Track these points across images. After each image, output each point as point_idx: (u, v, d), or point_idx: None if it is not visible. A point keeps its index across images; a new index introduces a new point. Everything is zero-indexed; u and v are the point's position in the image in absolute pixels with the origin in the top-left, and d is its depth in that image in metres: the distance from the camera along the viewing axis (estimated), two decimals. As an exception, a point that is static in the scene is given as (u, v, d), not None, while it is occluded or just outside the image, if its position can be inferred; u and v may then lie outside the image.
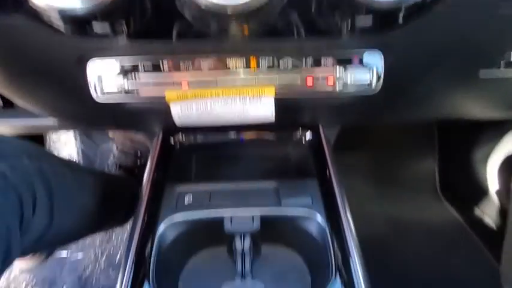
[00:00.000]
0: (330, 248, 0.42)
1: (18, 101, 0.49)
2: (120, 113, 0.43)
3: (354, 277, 0.37)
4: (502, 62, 0.40)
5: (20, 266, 0.88)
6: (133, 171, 0.92)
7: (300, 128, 0.58)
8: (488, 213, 0.84)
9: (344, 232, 0.42)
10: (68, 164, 0.52)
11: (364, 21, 0.33)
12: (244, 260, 0.43)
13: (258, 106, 0.41)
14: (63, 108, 0.48)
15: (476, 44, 0.38)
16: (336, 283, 0.37)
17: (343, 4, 0.33)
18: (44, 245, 0.45)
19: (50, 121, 0.54)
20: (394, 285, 0.72)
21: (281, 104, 0.41)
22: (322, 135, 0.55)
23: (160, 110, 0.41)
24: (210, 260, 0.48)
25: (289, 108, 0.42)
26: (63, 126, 0.60)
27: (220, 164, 0.60)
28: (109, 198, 0.60)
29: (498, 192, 0.81)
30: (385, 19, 0.33)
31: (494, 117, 0.57)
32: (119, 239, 0.96)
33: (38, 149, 0.47)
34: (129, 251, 0.38)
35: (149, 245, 0.42)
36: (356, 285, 0.36)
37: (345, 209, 0.44)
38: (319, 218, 0.45)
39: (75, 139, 1.14)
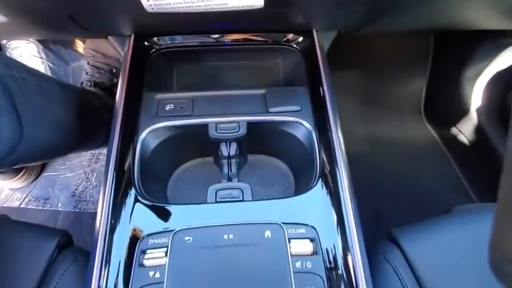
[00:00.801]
0: (316, 153, 0.42)
1: None
2: (82, 7, 0.37)
3: (339, 184, 0.38)
4: None
5: (10, 185, 0.90)
6: (110, 90, 0.87)
7: (292, 34, 0.52)
8: (464, 131, 0.88)
9: (332, 139, 0.41)
10: (31, 71, 0.47)
11: None
12: (230, 165, 0.43)
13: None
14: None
15: None
16: (317, 188, 0.38)
17: None
18: (20, 158, 0.44)
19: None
20: (367, 196, 0.78)
21: None
22: (316, 41, 0.50)
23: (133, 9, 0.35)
24: (197, 169, 0.49)
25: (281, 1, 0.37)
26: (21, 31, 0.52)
27: (202, 70, 0.56)
28: (84, 114, 0.57)
29: (478, 110, 0.84)
30: None
31: (491, 26, 0.53)
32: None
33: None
34: (110, 159, 0.37)
35: (131, 153, 0.41)
36: (340, 193, 0.37)
37: (335, 117, 0.43)
38: (307, 124, 0.44)
39: (42, 58, 1.04)
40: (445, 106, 0.95)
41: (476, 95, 0.85)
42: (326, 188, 0.38)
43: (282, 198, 0.37)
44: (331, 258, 0.31)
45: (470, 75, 0.85)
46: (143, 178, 0.39)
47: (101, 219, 0.35)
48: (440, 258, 0.40)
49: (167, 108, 0.44)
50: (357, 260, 0.32)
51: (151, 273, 0.29)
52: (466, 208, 0.49)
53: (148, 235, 0.32)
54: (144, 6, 0.34)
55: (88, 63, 0.87)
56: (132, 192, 0.37)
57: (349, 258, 0.32)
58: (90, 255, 0.32)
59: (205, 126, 0.42)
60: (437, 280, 0.38)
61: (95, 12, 0.40)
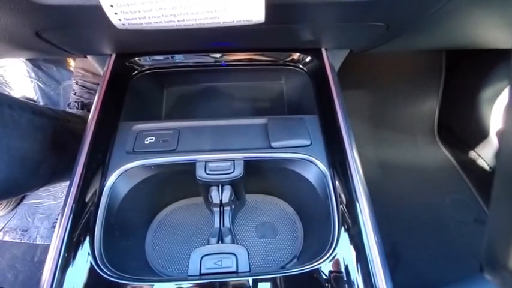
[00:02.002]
0: (332, 203, 0.33)
1: None
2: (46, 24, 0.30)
3: (364, 237, 0.30)
4: None
5: (-13, 215, 0.82)
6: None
7: (298, 53, 0.45)
8: (484, 155, 0.81)
9: (352, 185, 0.33)
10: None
11: None
12: (222, 215, 0.35)
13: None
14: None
15: None
16: (337, 254, 0.29)
17: None
18: None
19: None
20: (383, 226, 0.71)
21: (274, 4, 0.28)
22: (326, 61, 0.43)
23: (96, 15, 0.28)
24: (181, 214, 0.40)
25: (284, 11, 0.30)
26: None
27: (194, 91, 0.48)
28: (60, 144, 0.50)
29: (499, 133, 0.77)
30: None
31: (507, 45, 0.47)
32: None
33: None
34: (66, 204, 0.29)
35: (95, 197, 0.32)
36: (367, 248, 0.29)
37: (353, 155, 0.35)
38: (319, 163, 0.35)
39: (31, 77, 0.99)
40: (460, 128, 0.88)
41: (496, 116, 0.77)
42: (350, 250, 0.29)
43: (291, 270, 0.28)
44: None
45: (488, 95, 0.79)
46: (110, 234, 0.30)
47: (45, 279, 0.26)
48: None
49: (147, 142, 0.36)
50: None
51: None
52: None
53: None
54: (113, 22, 0.27)
55: (77, 82, 0.81)
56: (89, 262, 0.28)
57: None
58: None
59: (192, 165, 0.34)
60: None
61: (62, 29, 0.33)
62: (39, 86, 0.98)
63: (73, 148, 0.56)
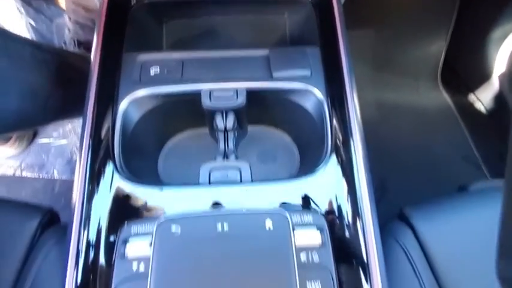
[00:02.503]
0: (327, 127, 0.36)
1: None
2: None
3: (354, 164, 0.33)
4: None
5: (4, 152, 0.87)
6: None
7: None
8: (483, 98, 0.82)
9: (347, 112, 0.35)
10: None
11: None
12: (227, 139, 0.38)
13: None
14: None
15: None
16: (331, 161, 0.33)
17: None
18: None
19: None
20: (374, 163, 0.74)
21: None
22: None
23: None
24: (190, 142, 0.44)
25: None
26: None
27: (196, 26, 0.48)
28: (64, 78, 0.51)
29: (501, 76, 0.77)
30: None
31: None
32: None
33: None
34: (84, 135, 0.32)
35: (109, 126, 0.35)
36: (355, 166, 0.32)
37: (352, 85, 0.37)
38: (318, 93, 0.37)
39: (22, 13, 0.94)
40: (464, 71, 0.87)
41: (501, 60, 0.76)
42: (338, 167, 0.33)
43: (286, 179, 0.32)
44: (342, 250, 0.28)
45: (497, 36, 0.76)
46: (127, 155, 0.34)
47: (75, 205, 0.31)
48: (456, 242, 0.37)
49: (152, 72, 0.38)
50: (371, 251, 0.28)
51: (134, 266, 0.26)
52: (483, 187, 0.44)
53: (130, 222, 0.28)
54: None
55: (70, 19, 0.78)
56: (112, 172, 0.32)
57: (362, 248, 0.28)
58: (65, 246, 0.28)
59: (197, 94, 0.36)
60: (451, 265, 0.35)
61: None
62: (31, 24, 0.95)
63: (78, 84, 0.58)
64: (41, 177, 0.86)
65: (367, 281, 0.28)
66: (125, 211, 0.29)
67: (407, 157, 0.82)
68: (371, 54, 0.93)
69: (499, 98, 0.79)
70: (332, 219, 0.29)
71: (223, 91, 0.36)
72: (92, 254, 0.28)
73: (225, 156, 0.37)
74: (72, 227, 0.29)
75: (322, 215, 0.29)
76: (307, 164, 0.38)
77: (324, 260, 0.26)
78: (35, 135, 0.91)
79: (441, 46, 0.89)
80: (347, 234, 0.29)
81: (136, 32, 0.43)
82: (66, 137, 0.91)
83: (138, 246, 0.26)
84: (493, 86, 0.79)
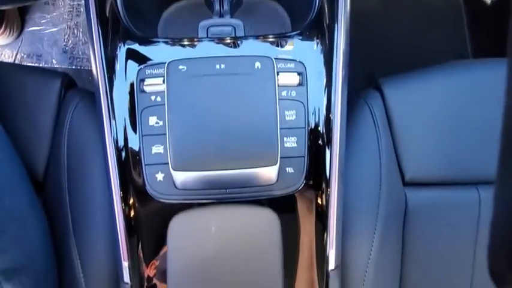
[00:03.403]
0: None
1: None
2: None
3: (335, 27, 0.35)
4: None
5: (-3, 43, 0.86)
6: None
7: None
8: None
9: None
10: None
11: None
12: (222, 3, 0.40)
13: None
14: None
15: None
16: (310, 28, 0.36)
17: None
18: None
19: None
20: (367, 54, 0.75)
21: None
22: None
23: None
24: (186, 10, 0.45)
25: None
26: None
27: None
28: None
29: None
30: None
31: None
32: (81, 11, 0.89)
33: None
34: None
35: None
36: (335, 36, 0.35)
37: None
38: None
39: None
40: None
41: None
42: (319, 28, 0.36)
43: (274, 35, 0.36)
44: (314, 91, 0.34)
45: None
46: (132, 20, 0.37)
47: (95, 59, 0.35)
48: (417, 106, 0.42)
49: None
50: (337, 96, 0.34)
51: (152, 98, 0.32)
52: (458, 63, 0.47)
53: (144, 66, 0.33)
54: None
55: None
56: (123, 33, 0.35)
57: (332, 94, 0.34)
58: (95, 91, 0.34)
59: None
60: (407, 125, 0.41)
61: None
62: None
63: None
64: (41, 65, 0.88)
65: (329, 127, 0.34)
66: (139, 61, 0.34)
67: (401, 53, 0.82)
68: None
69: None
70: (310, 69, 0.34)
71: None
72: (118, 100, 0.34)
73: (221, 16, 0.39)
74: (97, 78, 0.34)
75: (302, 64, 0.34)
76: (296, 28, 0.42)
77: (300, 97, 0.33)
78: (23, 24, 0.89)
79: None
80: (321, 81, 0.35)
81: None
82: (55, 25, 0.89)
83: (154, 82, 0.32)
84: None
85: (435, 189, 0.42)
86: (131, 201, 0.33)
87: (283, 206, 0.34)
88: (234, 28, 0.36)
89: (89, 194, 0.38)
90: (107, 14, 0.36)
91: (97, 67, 0.34)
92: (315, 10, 0.37)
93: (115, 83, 0.34)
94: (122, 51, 0.34)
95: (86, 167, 0.38)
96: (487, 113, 0.42)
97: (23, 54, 0.88)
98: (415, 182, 0.42)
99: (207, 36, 0.36)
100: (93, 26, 0.35)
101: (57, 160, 0.39)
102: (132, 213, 0.34)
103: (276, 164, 0.30)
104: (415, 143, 0.42)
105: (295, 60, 0.34)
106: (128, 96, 0.33)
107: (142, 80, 0.32)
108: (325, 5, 0.37)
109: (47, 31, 0.88)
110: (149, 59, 0.34)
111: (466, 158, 0.42)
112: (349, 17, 0.37)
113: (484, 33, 0.83)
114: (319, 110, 0.34)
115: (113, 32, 0.35)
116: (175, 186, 0.31)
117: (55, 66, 0.88)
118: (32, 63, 0.89)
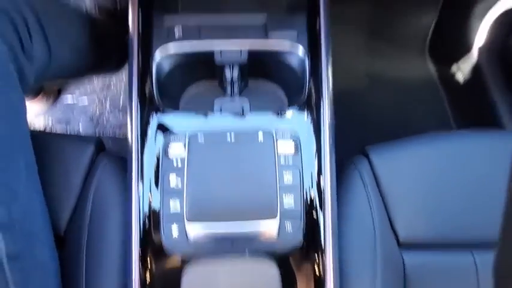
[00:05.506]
0: (306, 80, 0.47)
1: None
2: None
3: (322, 106, 0.45)
4: None
5: (33, 111, 0.98)
6: (114, 14, 0.88)
7: None
8: (463, 69, 0.89)
9: (321, 67, 0.47)
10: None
11: None
12: (232, 86, 0.50)
13: None
14: None
15: None
16: (303, 108, 0.45)
17: None
18: (49, 75, 0.50)
19: None
20: (357, 128, 0.83)
21: None
22: None
23: None
24: (204, 90, 0.56)
25: None
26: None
27: None
28: (98, 40, 0.62)
29: (480, 48, 0.84)
30: None
31: None
32: (117, 86, 1.03)
33: None
34: (132, 76, 0.44)
35: (149, 74, 0.47)
36: (321, 114, 0.44)
37: (327, 43, 0.48)
38: (301, 52, 0.48)
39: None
40: (451, 43, 0.94)
41: (482, 32, 0.84)
42: (309, 106, 0.45)
43: (273, 111, 0.45)
44: (307, 158, 0.41)
45: (479, 11, 0.83)
46: (161, 94, 0.46)
47: (131, 128, 0.43)
48: (402, 171, 0.47)
49: (176, 32, 0.49)
50: (326, 162, 0.41)
51: (174, 162, 0.39)
52: (440, 133, 0.53)
53: (170, 135, 0.41)
54: None
55: (90, -13, 0.86)
56: (154, 104, 0.45)
57: (322, 160, 0.41)
58: (128, 154, 0.41)
59: (211, 53, 0.48)
60: (396, 190, 0.46)
61: None
62: None
63: (102, 44, 0.68)
64: (68, 133, 0.99)
65: (321, 190, 0.40)
66: (166, 130, 0.42)
67: (388, 128, 0.90)
68: (363, 23, 1.00)
69: (477, 70, 0.86)
70: (303, 141, 0.42)
71: (231, 52, 0.48)
72: (147, 163, 0.41)
73: (232, 94, 0.50)
74: (132, 143, 0.41)
75: (297, 136, 0.42)
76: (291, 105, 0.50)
77: (296, 163, 0.40)
78: (59, 92, 1.02)
79: (431, 19, 0.96)
80: (312, 149, 0.42)
81: None
82: (88, 95, 1.03)
83: (177, 149, 0.39)
84: (473, 58, 0.86)
85: (431, 251, 0.44)
86: (148, 259, 0.37)
87: (283, 263, 0.37)
88: (242, 106, 0.45)
89: (105, 255, 0.41)
90: (146, 93, 0.46)
91: (132, 134, 0.42)
92: (306, 91, 0.47)
93: (146, 149, 0.41)
94: (153, 123, 0.42)
95: (106, 226, 0.42)
96: (470, 180, 0.46)
97: (53, 120, 1.00)
98: (410, 242, 0.44)
99: (221, 111, 0.45)
100: (134, 101, 0.44)
101: (80, 216, 0.43)
102: (148, 273, 0.37)
103: (275, 217, 0.35)
104: (405, 206, 0.45)
105: (291, 131, 0.42)
106: (155, 160, 0.40)
107: (167, 147, 0.40)
108: (312, 88, 0.46)
109: (79, 101, 1.02)
110: (174, 129, 0.42)
111: (455, 221, 0.45)
112: (332, 96, 0.46)
113: (464, 105, 0.92)
114: (311, 174, 0.40)
115: (148, 106, 0.44)
116: (188, 240, 0.36)
117: (80, 131, 0.99)
118: (60, 128, 1.00)
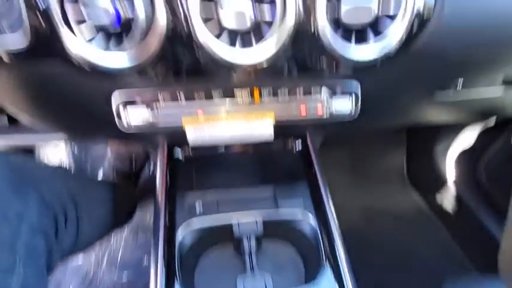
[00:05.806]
0: (320, 243, 0.51)
1: (31, 120, 0.52)
2: (137, 135, 0.50)
3: (340, 265, 0.47)
4: (449, 90, 0.51)
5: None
6: (129, 176, 0.97)
7: (291, 138, 0.67)
8: (447, 199, 0.97)
9: (331, 228, 0.51)
10: (87, 181, 0.58)
11: (347, 70, 0.43)
12: (251, 257, 0.52)
13: (260, 129, 0.49)
14: (84, 131, 0.54)
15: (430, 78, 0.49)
16: (326, 270, 0.47)
17: (330, 59, 0.41)
18: (73, 252, 0.52)
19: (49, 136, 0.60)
20: (368, 269, 0.83)
21: (277, 126, 0.50)
22: (309, 143, 0.64)
23: (174, 132, 0.49)
24: (219, 258, 0.57)
25: (284, 128, 0.51)
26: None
27: (221, 172, 0.67)
28: (113, 206, 0.66)
29: (455, 182, 0.95)
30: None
31: (450, 122, 0.69)
32: (117, 239, 1.01)
33: (66, 171, 0.53)
34: (157, 256, 0.45)
35: (172, 249, 0.49)
36: (342, 271, 0.46)
37: (331, 208, 0.54)
38: (311, 219, 0.54)
39: (66, 142, 1.15)
40: (426, 176, 1.04)
41: (450, 168, 0.95)
42: (331, 278, 0.47)
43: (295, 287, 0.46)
44: None
45: (440, 150, 0.97)
46: (181, 272, 0.47)
47: None
48: None
49: (198, 211, 0.54)
50: None
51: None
52: (457, 283, 0.52)
53: None
54: (189, 143, 0.48)
55: (111, 150, 0.98)
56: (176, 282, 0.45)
57: None
58: None
59: (230, 226, 0.52)
60: None
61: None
62: (72, 150, 1.13)
63: (116, 207, 0.72)
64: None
65: None
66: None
67: (394, 259, 0.91)
68: (348, 167, 1.13)
69: (459, 201, 0.93)
70: None
71: (247, 224, 0.53)
72: None
73: (251, 268, 0.50)
74: None
75: None
76: (310, 272, 0.51)
77: None
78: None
79: (401, 158, 1.11)
80: None
81: (181, 176, 0.62)
82: (84, 251, 0.98)
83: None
84: (451, 190, 0.94)
85: None
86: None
87: None
88: (265, 282, 0.46)
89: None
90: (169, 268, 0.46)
91: None
92: (322, 260, 0.49)
93: None
94: None
95: None
96: None
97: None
98: None
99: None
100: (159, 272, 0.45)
101: None
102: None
103: None
104: None
105: None
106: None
107: None
108: (329, 256, 0.49)
109: (73, 260, 0.96)
110: None
111: None
112: (349, 260, 0.48)
113: (465, 238, 0.92)
114: None
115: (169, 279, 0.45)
116: None
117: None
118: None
